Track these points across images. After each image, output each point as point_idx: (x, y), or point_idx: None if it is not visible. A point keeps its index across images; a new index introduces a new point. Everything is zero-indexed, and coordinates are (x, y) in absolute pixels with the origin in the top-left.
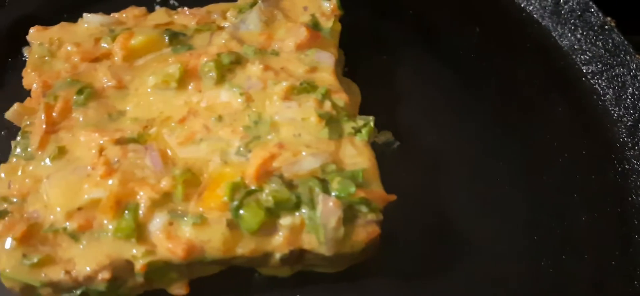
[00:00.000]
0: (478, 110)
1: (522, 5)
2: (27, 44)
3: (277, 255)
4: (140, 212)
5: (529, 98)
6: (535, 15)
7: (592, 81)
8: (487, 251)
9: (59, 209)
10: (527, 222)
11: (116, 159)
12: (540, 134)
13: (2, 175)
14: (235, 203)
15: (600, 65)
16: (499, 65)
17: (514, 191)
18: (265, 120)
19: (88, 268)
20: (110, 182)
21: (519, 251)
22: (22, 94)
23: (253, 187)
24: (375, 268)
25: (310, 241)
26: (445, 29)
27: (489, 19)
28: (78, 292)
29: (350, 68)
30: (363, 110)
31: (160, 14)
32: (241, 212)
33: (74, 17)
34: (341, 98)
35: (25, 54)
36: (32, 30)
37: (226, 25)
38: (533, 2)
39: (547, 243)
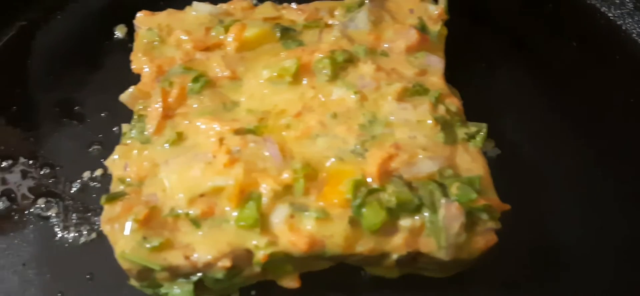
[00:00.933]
0: (576, 124)
1: (618, 22)
2: (116, 25)
3: (394, 256)
4: (264, 202)
5: (628, 115)
6: (633, 35)
7: None
8: (589, 266)
9: (181, 195)
10: (628, 239)
11: (237, 149)
12: (637, 151)
13: (118, 156)
14: (358, 200)
15: None
16: (596, 81)
17: (615, 207)
18: (380, 120)
19: (209, 256)
20: (233, 171)
21: (619, 268)
22: (122, 77)
23: (375, 186)
24: (480, 276)
25: (428, 245)
26: (543, 42)
27: (586, 35)
28: (194, 278)
29: (452, 76)
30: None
31: (267, 8)
32: (363, 210)
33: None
34: (453, 103)
35: (116, 34)
36: (139, 15)
37: (334, 23)
38: (629, 20)
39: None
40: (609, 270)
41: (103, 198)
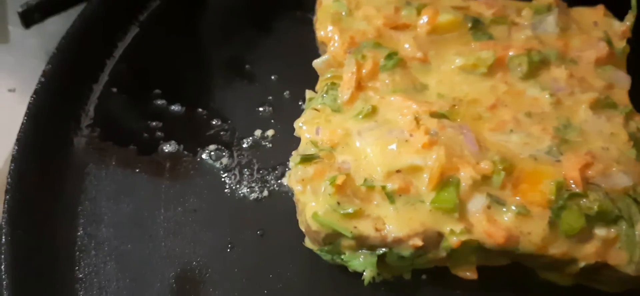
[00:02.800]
0: None
1: None
2: None
3: (582, 264)
4: (462, 188)
5: None
6: None
7: None
8: None
9: (379, 167)
10: None
11: (435, 131)
12: None
13: (307, 119)
14: (560, 202)
15: None
16: None
17: None
18: (575, 127)
19: (401, 232)
20: (432, 152)
21: None
22: (290, 44)
23: (577, 191)
24: None
25: (618, 258)
26: None
27: None
28: (380, 252)
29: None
30: None
31: None
32: (563, 213)
33: None
34: None
35: None
36: None
37: (521, 23)
38: None
39: None
40: None
41: (296, 158)
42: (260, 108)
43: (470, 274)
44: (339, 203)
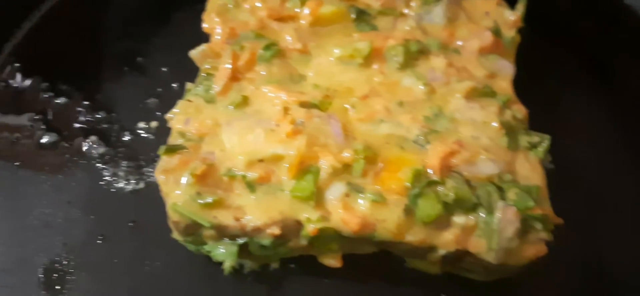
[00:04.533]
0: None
1: None
2: None
3: (441, 252)
4: (321, 177)
5: None
6: None
7: None
8: (633, 291)
9: (241, 157)
10: None
11: (301, 121)
12: None
13: (179, 110)
14: (416, 190)
15: None
16: None
17: None
18: (446, 115)
19: (259, 221)
20: (295, 142)
21: None
22: (186, 36)
23: (435, 178)
24: (521, 286)
25: (478, 245)
26: (618, 67)
27: None
28: (240, 241)
29: (518, 85)
30: None
31: None
32: (419, 200)
33: None
34: (520, 111)
35: None
36: None
37: (409, 13)
38: None
39: None
40: None
41: (162, 149)
42: (148, 100)
43: (334, 262)
44: (199, 193)
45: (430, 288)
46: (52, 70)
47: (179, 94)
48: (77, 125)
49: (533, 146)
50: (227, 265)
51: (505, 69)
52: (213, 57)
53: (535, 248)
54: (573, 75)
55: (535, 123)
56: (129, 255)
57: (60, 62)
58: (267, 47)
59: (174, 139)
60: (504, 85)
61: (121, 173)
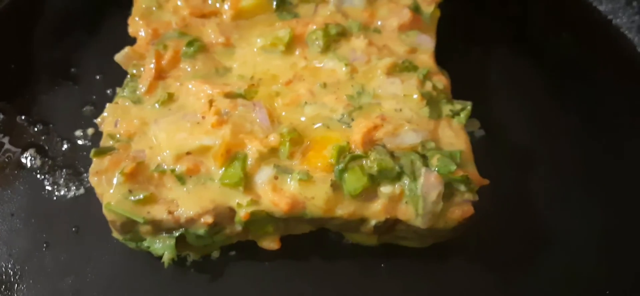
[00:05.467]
0: (563, 111)
1: (609, 17)
2: None
3: (372, 222)
4: (249, 162)
5: (614, 110)
6: (623, 29)
7: None
8: (564, 245)
9: (167, 151)
10: (604, 227)
11: (226, 111)
12: (623, 145)
13: (108, 114)
14: (341, 165)
15: None
16: (585, 71)
17: (595, 196)
18: (368, 92)
19: (191, 211)
20: (221, 131)
21: (593, 253)
22: (118, 42)
23: (358, 152)
24: (456, 249)
25: (406, 212)
26: (538, 32)
27: (578, 26)
28: (177, 233)
29: (442, 56)
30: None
31: None
32: (345, 174)
33: None
34: (441, 81)
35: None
36: None
37: None
38: (621, 16)
39: (621, 251)
40: (586, 254)
41: (92, 152)
42: (83, 109)
43: (273, 244)
44: (130, 190)
45: (370, 259)
46: None
47: (113, 99)
48: (15, 138)
49: (455, 113)
50: (167, 257)
51: (426, 43)
52: (138, 59)
53: (461, 210)
54: (495, 42)
55: (461, 92)
56: (73, 258)
57: None
58: (190, 44)
59: (105, 142)
60: (425, 58)
61: (61, 182)
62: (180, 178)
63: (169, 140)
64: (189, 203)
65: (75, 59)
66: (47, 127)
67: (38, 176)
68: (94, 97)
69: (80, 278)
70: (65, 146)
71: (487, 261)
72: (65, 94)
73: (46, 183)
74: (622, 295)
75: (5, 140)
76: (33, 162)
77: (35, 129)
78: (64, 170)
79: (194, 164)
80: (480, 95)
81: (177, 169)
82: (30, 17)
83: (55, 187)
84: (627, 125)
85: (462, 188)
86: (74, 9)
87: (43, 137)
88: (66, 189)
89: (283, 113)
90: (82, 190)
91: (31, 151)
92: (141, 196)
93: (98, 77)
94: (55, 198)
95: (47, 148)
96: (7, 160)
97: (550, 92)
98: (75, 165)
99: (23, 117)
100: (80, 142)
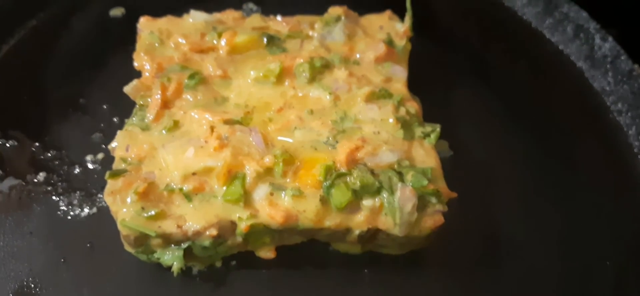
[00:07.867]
0: (520, 131)
1: (560, 47)
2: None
3: (356, 232)
4: (247, 181)
5: (565, 129)
6: (572, 58)
7: (618, 118)
8: (524, 253)
9: (175, 173)
10: (560, 232)
11: (226, 136)
12: (574, 159)
13: (119, 140)
14: (328, 182)
15: (627, 105)
16: (540, 98)
17: (551, 205)
18: (350, 117)
19: (198, 225)
20: (222, 154)
21: (551, 256)
22: (121, 75)
23: (343, 171)
24: (430, 256)
25: (386, 222)
26: (496, 60)
27: (531, 57)
28: (184, 246)
29: (414, 84)
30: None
31: (256, 19)
32: (332, 190)
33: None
34: (413, 106)
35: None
36: (142, 19)
37: (313, 35)
38: (571, 46)
39: (576, 252)
40: (545, 257)
41: (107, 174)
42: (93, 136)
43: (269, 254)
44: (143, 208)
45: (354, 266)
46: (1, 120)
47: (120, 127)
48: (30, 165)
49: (426, 135)
50: (176, 267)
51: (399, 73)
52: (144, 90)
53: (433, 219)
54: (460, 72)
55: (431, 116)
56: (88, 272)
57: (8, 111)
58: (192, 76)
59: (117, 165)
60: (399, 86)
61: (75, 202)
62: (187, 196)
63: (176, 162)
64: (195, 218)
65: (84, 92)
66: (59, 152)
67: (53, 197)
68: (102, 124)
69: (96, 289)
70: (77, 170)
71: (456, 265)
72: (76, 123)
73: (61, 204)
74: (577, 291)
75: (21, 165)
76: (48, 184)
77: (49, 154)
78: (78, 192)
79: (200, 183)
80: (448, 119)
81: (184, 188)
82: (36, 55)
83: (70, 207)
84: (576, 143)
85: (434, 200)
86: (77, 47)
87: (56, 162)
88: (80, 209)
89: (276, 137)
90: (94, 210)
91: (46, 175)
92: (153, 212)
93: (105, 107)
94: (70, 217)
95: (61, 171)
96: (23, 183)
97: (509, 116)
98: (88, 187)
99: (37, 144)
100: (91, 166)
